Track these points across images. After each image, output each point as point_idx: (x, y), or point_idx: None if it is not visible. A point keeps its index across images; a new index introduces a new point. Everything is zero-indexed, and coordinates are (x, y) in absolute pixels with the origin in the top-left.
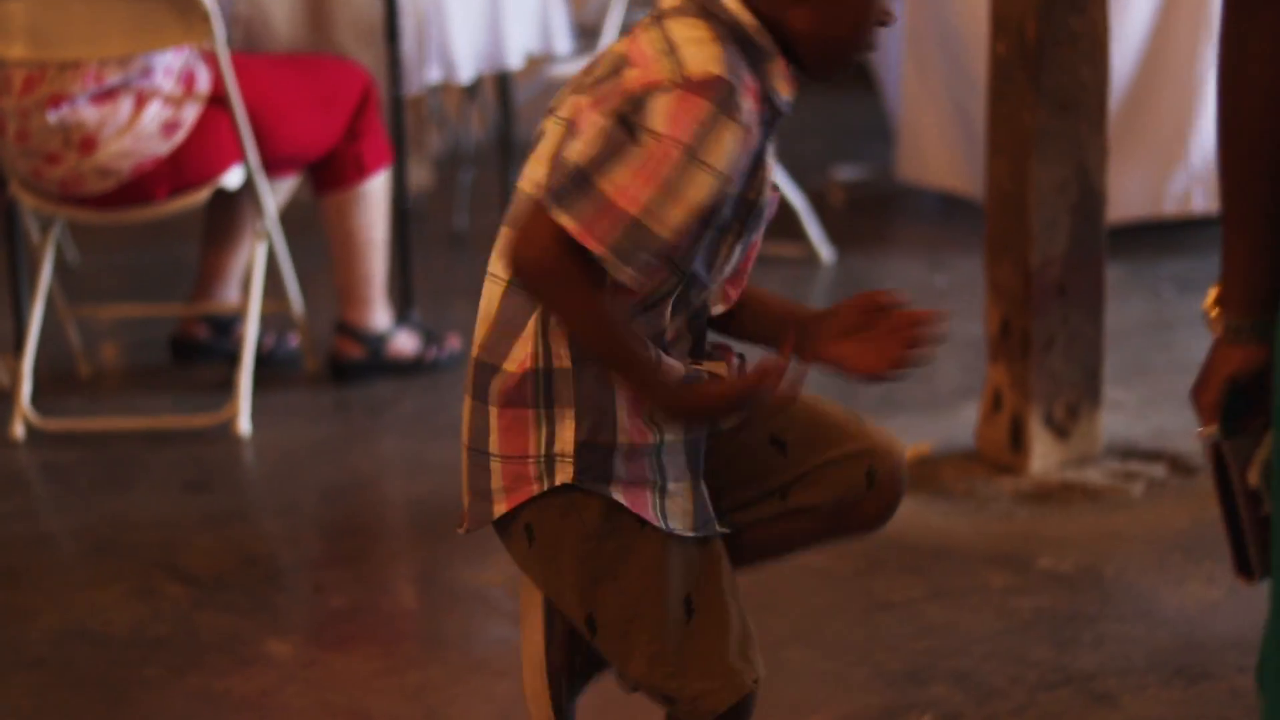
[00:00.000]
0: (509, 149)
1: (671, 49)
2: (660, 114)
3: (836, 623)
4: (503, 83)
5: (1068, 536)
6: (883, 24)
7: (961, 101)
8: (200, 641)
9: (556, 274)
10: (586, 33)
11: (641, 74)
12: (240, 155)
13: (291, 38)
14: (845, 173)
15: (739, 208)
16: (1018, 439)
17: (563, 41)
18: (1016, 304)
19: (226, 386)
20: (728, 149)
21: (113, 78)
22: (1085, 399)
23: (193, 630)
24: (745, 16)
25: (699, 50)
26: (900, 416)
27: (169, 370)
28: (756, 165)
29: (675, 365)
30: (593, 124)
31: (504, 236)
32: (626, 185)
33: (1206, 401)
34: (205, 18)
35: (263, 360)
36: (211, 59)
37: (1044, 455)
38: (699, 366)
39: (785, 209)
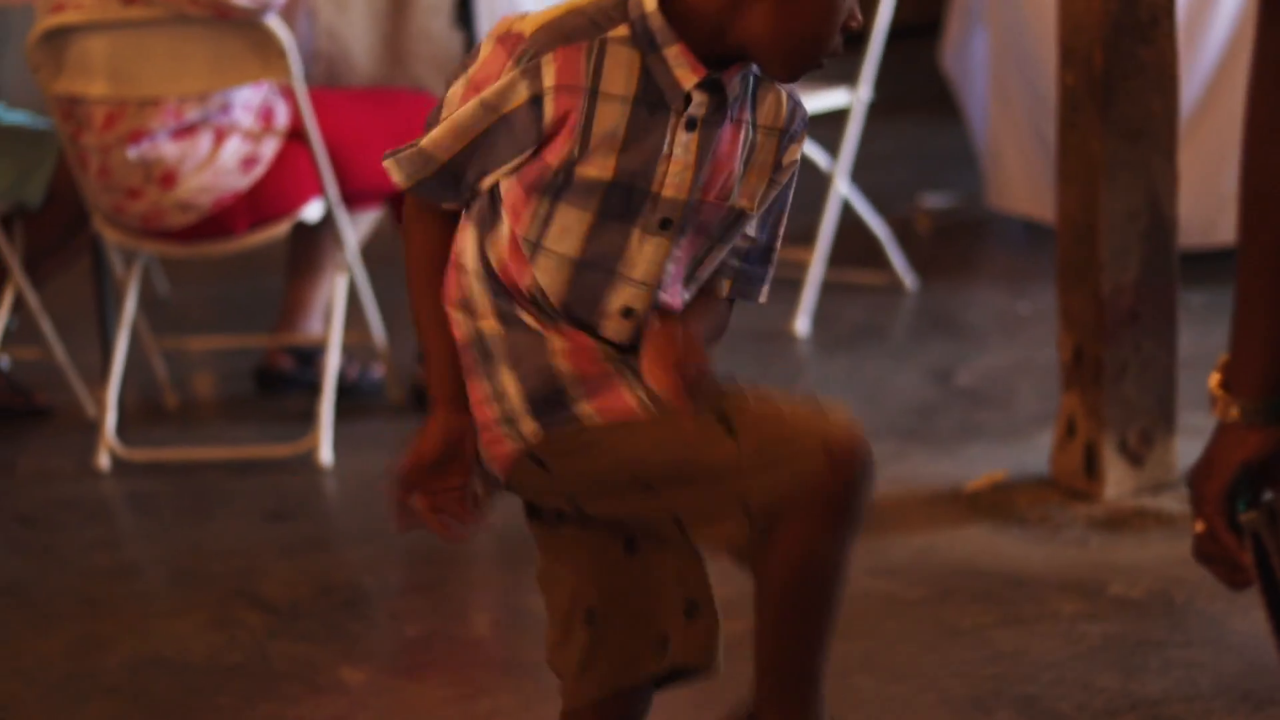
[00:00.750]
0: None
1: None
2: (476, 54)
3: (905, 649)
4: None
5: (1140, 563)
6: (848, 29)
7: (1043, 129)
8: (274, 670)
9: (404, 235)
10: None
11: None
12: (319, 189)
13: (371, 72)
14: (932, 200)
15: (629, 194)
16: (1091, 466)
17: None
18: (1089, 331)
19: (310, 417)
20: (502, 87)
21: (192, 113)
22: (1159, 426)
23: (267, 658)
24: (649, 2)
25: (533, 13)
26: (977, 444)
27: (254, 401)
28: (649, 150)
29: (445, 373)
30: None
31: None
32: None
33: (1214, 489)
34: (282, 54)
35: (347, 391)
36: (290, 94)
37: (1118, 482)
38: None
39: (868, 236)
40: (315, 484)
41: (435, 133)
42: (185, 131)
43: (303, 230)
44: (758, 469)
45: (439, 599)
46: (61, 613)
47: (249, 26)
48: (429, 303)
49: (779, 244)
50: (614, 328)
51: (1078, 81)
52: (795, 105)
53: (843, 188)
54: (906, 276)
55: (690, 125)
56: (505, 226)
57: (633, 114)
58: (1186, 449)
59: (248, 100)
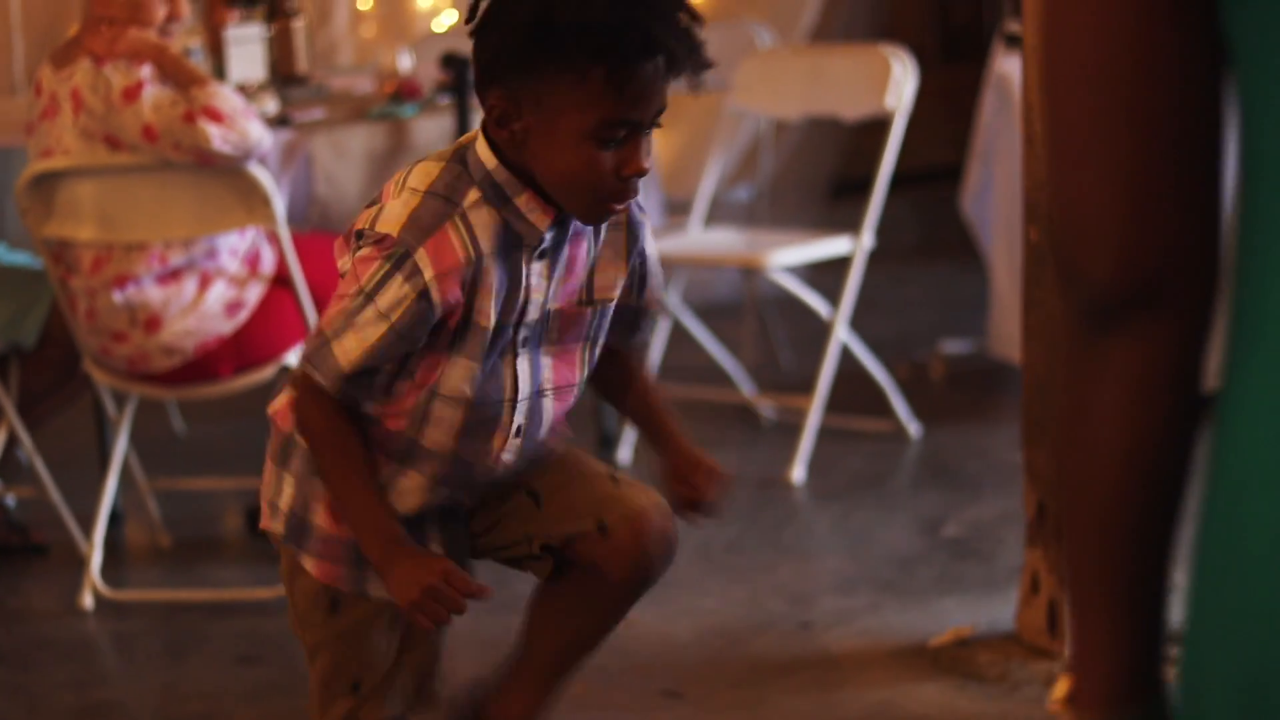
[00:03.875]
0: None
1: (397, 192)
2: (356, 256)
3: None
4: None
5: None
6: (625, 175)
7: None
8: None
9: (303, 417)
10: (676, 209)
11: (368, 214)
12: (305, 334)
13: None
14: (950, 346)
15: (503, 331)
16: (1054, 624)
17: (653, 216)
18: (1052, 488)
19: None
20: (394, 299)
21: (177, 258)
22: None
23: None
24: (489, 160)
25: (394, 205)
26: (953, 597)
27: (246, 541)
28: (510, 290)
29: (393, 527)
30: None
31: None
32: (331, 307)
33: None
34: (266, 201)
35: None
36: (276, 240)
37: None
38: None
39: (872, 385)
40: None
41: (344, 341)
42: (170, 276)
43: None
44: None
45: None
46: None
47: (233, 173)
48: (354, 466)
49: (656, 296)
50: (508, 446)
51: (1041, 238)
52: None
53: (843, 335)
54: (910, 424)
55: (540, 256)
56: (396, 390)
57: (501, 264)
58: None
59: (234, 246)
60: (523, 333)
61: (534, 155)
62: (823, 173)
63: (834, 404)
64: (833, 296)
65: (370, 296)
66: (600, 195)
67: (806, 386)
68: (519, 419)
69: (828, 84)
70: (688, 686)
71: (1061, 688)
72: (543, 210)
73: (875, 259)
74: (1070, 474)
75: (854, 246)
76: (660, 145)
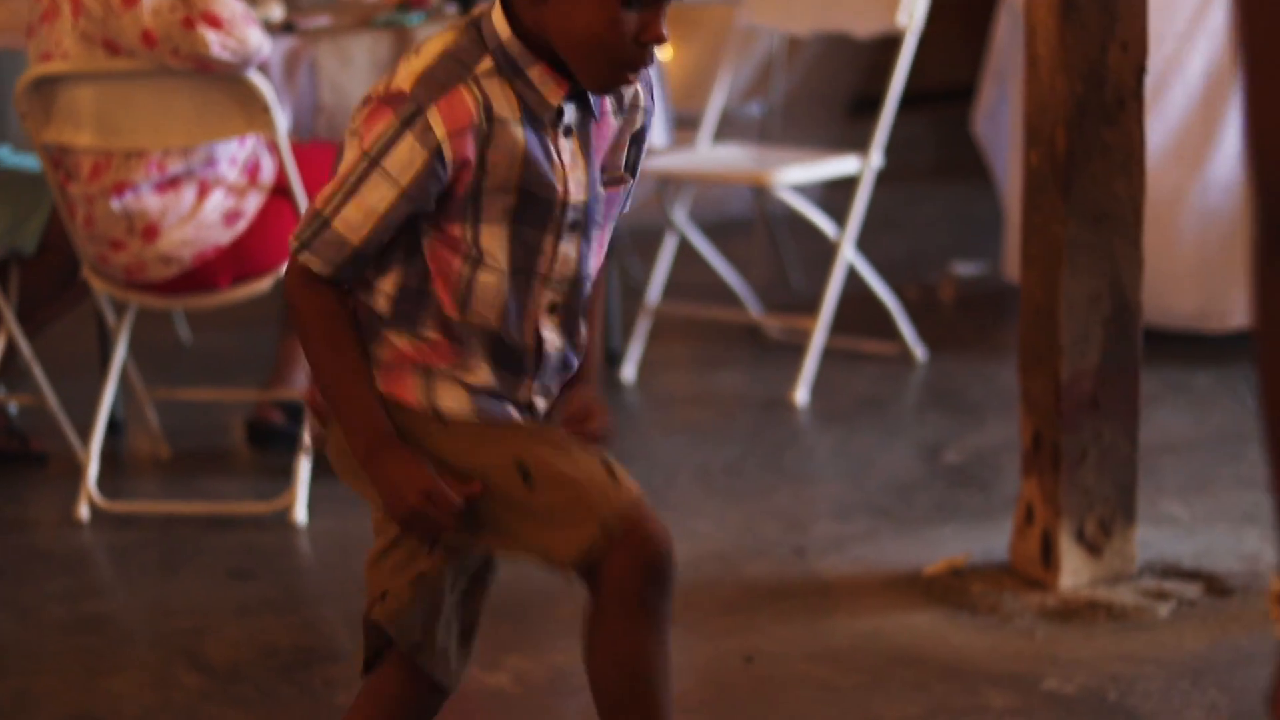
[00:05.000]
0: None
1: (409, 57)
2: (360, 122)
3: None
4: None
5: (1081, 658)
6: (646, 41)
7: None
8: None
9: (295, 304)
10: (686, 124)
11: (374, 88)
12: None
13: None
14: (962, 269)
15: (540, 205)
16: (1048, 554)
17: (660, 134)
18: (1047, 417)
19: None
20: (403, 159)
21: (175, 166)
22: (1118, 516)
23: None
24: (504, 31)
25: (408, 64)
26: (950, 525)
27: (245, 454)
28: (543, 162)
29: (382, 421)
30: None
31: None
32: (328, 186)
33: None
34: (266, 109)
35: None
36: (275, 148)
37: (1075, 572)
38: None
39: (880, 307)
40: (286, 542)
41: (346, 214)
42: (168, 184)
43: None
44: (545, 527)
45: None
46: (5, 666)
47: (232, 81)
48: (348, 358)
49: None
50: (547, 324)
51: (1041, 162)
52: (644, 83)
53: (849, 255)
54: (917, 348)
55: (567, 133)
56: (433, 264)
57: (523, 132)
58: (1158, 538)
59: (233, 154)
60: (570, 215)
61: (555, 12)
62: (842, 89)
63: (841, 325)
64: (834, 218)
65: (376, 160)
66: (617, 60)
67: (816, 307)
68: (555, 296)
69: (839, 1)
70: (677, 611)
71: (1275, 584)
72: (555, 83)
73: (891, 178)
74: (1268, 388)
75: (861, 165)
76: (671, 60)
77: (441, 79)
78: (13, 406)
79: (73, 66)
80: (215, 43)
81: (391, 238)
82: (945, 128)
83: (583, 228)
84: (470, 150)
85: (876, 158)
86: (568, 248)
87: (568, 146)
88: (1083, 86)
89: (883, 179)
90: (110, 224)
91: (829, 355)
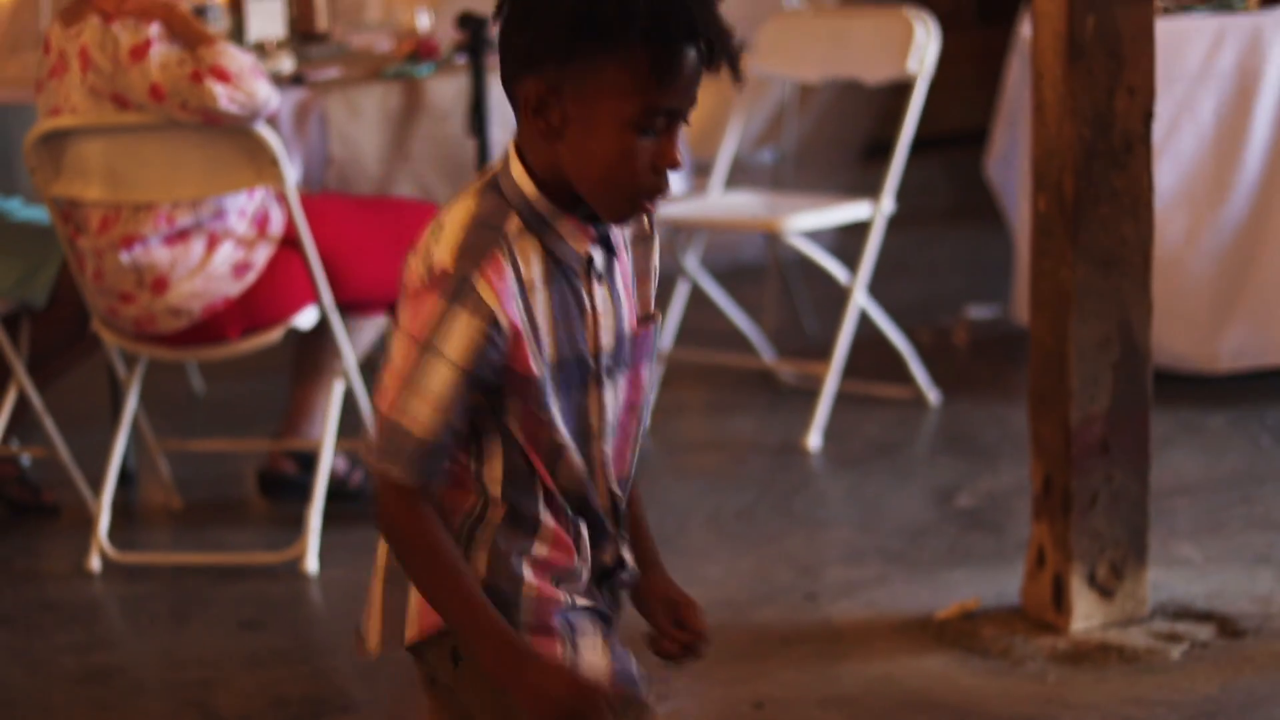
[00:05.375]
0: None
1: (436, 234)
2: (405, 312)
3: None
4: None
5: (1093, 701)
6: (660, 167)
7: None
8: None
9: (394, 530)
10: (699, 171)
11: (409, 268)
12: (314, 296)
13: (383, 175)
14: (975, 312)
15: (579, 363)
16: (1060, 598)
17: (676, 180)
18: (1058, 461)
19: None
20: (461, 338)
21: (184, 219)
22: (1130, 558)
23: None
24: (528, 188)
25: (441, 241)
26: (962, 569)
27: (256, 504)
28: (575, 320)
29: (506, 629)
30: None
31: None
32: (386, 387)
33: None
34: (274, 161)
35: (350, 496)
36: (284, 200)
37: (1086, 615)
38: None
39: (894, 351)
40: (297, 592)
41: (414, 410)
42: (177, 237)
43: (306, 335)
44: None
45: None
46: (16, 717)
47: (241, 133)
48: (456, 566)
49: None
50: (609, 477)
51: (1049, 207)
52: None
53: (861, 300)
54: (930, 392)
55: (599, 279)
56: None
57: (553, 293)
58: (1170, 580)
59: (242, 206)
60: (605, 361)
61: (570, 146)
62: (855, 134)
63: (855, 370)
64: (846, 263)
65: (430, 345)
66: (636, 189)
67: (829, 352)
68: (608, 448)
69: (850, 47)
70: None
71: None
72: (583, 233)
73: (905, 222)
74: None
75: (873, 211)
76: None
77: (480, 247)
78: (25, 458)
79: (81, 120)
80: (223, 96)
81: (482, 420)
82: (959, 172)
83: (615, 372)
84: (515, 318)
85: (888, 203)
86: (607, 394)
87: (600, 293)
88: (1090, 131)
89: (896, 223)
90: (119, 277)
91: (842, 400)
